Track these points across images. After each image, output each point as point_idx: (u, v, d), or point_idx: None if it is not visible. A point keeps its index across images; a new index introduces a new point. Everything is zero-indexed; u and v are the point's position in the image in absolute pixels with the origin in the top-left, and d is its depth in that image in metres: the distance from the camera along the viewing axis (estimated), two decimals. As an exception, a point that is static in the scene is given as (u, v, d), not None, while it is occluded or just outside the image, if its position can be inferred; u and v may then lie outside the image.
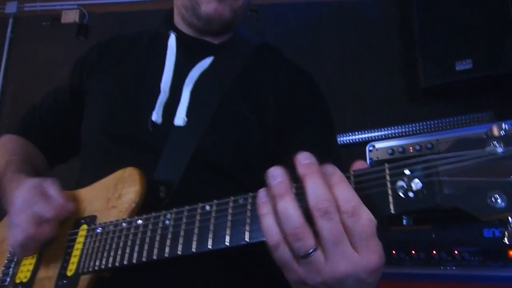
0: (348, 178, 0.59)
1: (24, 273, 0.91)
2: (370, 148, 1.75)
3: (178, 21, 1.14)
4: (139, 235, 0.77)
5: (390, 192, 0.57)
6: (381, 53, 2.46)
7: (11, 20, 3.12)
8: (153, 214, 0.78)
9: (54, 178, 0.93)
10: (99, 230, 0.84)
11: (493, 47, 2.02)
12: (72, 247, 0.87)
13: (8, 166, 1.04)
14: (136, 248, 0.77)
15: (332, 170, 0.58)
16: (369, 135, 2.01)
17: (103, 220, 0.86)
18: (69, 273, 0.84)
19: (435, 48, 2.19)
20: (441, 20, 2.20)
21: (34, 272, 0.90)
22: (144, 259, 0.75)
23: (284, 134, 0.99)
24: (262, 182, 0.66)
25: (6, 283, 0.94)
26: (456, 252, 1.59)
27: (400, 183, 0.57)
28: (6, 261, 0.98)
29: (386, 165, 0.59)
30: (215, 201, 0.70)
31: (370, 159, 1.74)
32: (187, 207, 0.73)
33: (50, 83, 2.88)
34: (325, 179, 0.56)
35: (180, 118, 0.96)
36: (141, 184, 0.85)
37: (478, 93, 2.15)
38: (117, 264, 0.78)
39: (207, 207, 0.71)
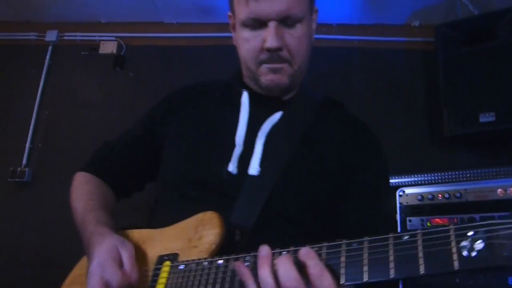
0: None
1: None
2: (400, 193, 1.88)
3: (247, 81, 1.27)
4: (220, 275, 0.89)
5: (454, 250, 0.67)
6: (407, 101, 2.61)
7: (50, 48, 3.29)
8: (233, 256, 0.90)
9: (130, 244, 1.04)
10: (181, 267, 0.97)
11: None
12: (156, 281, 0.99)
13: (87, 213, 1.16)
14: (217, 287, 0.89)
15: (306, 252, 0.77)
16: (395, 180, 2.13)
17: (184, 258, 0.99)
18: (156, 305, 0.96)
19: (460, 99, 2.33)
20: (466, 72, 2.34)
21: None
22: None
23: (345, 191, 1.12)
24: (323, 230, 0.81)
25: None
26: (481, 300, 1.69)
27: (464, 243, 0.68)
28: None
29: (452, 226, 0.71)
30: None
31: (400, 203, 1.86)
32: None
33: (85, 110, 3.07)
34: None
35: (254, 168, 1.09)
36: (221, 227, 0.98)
37: (500, 145, 2.28)
38: None
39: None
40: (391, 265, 0.72)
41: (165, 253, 1.03)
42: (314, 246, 0.80)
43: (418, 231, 0.72)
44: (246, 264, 0.86)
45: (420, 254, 0.70)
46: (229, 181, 1.09)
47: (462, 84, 2.33)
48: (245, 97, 1.21)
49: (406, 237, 0.72)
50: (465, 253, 0.68)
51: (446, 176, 2.01)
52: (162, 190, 1.22)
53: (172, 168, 1.19)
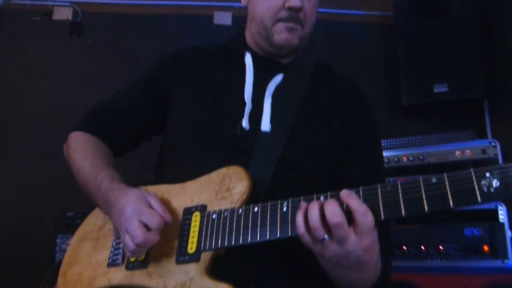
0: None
1: (137, 253, 1.08)
2: (370, 157, 2.03)
3: (250, 42, 1.33)
4: (260, 220, 0.97)
5: (476, 188, 0.82)
6: (367, 72, 2.78)
7: (-4, 12, 3.11)
8: (270, 202, 0.99)
9: (153, 192, 1.10)
10: (214, 216, 1.04)
11: (466, 74, 2.38)
12: (187, 230, 1.06)
13: (97, 171, 1.18)
14: (255, 230, 0.97)
15: (348, 193, 0.88)
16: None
17: (213, 208, 1.06)
18: (190, 251, 1.02)
19: (416, 71, 2.52)
20: (422, 45, 2.53)
21: (148, 251, 1.08)
22: (259, 239, 0.96)
23: (346, 145, 1.23)
24: (334, 183, 0.93)
25: (118, 262, 1.11)
26: (441, 247, 1.90)
27: (483, 182, 0.82)
28: (114, 244, 1.15)
29: (472, 169, 0.85)
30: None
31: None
32: (303, 197, 0.95)
33: (41, 80, 2.94)
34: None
35: (266, 125, 1.17)
36: (249, 179, 1.05)
37: (452, 113, 2.51)
38: (235, 243, 0.98)
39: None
40: (425, 202, 0.84)
41: (191, 205, 1.09)
42: (352, 189, 0.91)
43: (444, 175, 0.85)
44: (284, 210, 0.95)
45: (448, 192, 0.83)
46: (243, 137, 1.16)
47: (418, 57, 2.52)
48: (248, 58, 1.28)
49: (434, 180, 0.85)
50: (485, 189, 0.82)
51: (409, 141, 2.20)
52: (173, 149, 1.26)
53: (185, 127, 1.24)
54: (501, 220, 1.84)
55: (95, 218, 1.25)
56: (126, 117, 1.34)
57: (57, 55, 3.03)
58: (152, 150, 1.43)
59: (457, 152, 2.00)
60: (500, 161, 1.94)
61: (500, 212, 1.84)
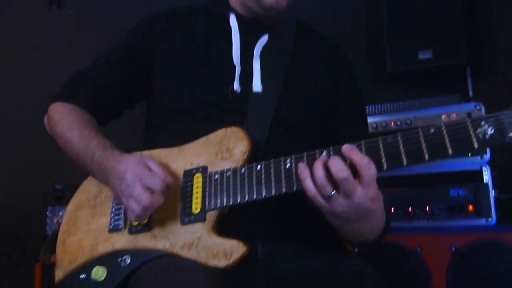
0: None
1: (139, 216, 1.08)
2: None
3: (234, 3, 1.29)
4: (264, 177, 0.99)
5: (473, 136, 0.85)
6: (351, 40, 2.78)
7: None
8: (272, 160, 1.00)
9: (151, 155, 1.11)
10: (217, 177, 1.05)
11: (450, 40, 2.42)
12: (190, 191, 1.07)
13: (88, 140, 1.17)
14: (260, 187, 0.99)
15: (349, 148, 0.91)
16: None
17: (214, 169, 1.07)
18: (195, 211, 1.04)
19: (401, 38, 2.54)
20: (407, 12, 2.54)
21: (151, 215, 1.08)
22: (264, 195, 0.98)
23: (333, 102, 1.26)
24: (327, 141, 1.00)
25: (120, 227, 1.12)
26: (427, 208, 1.97)
27: (479, 130, 0.85)
28: (114, 209, 1.15)
29: (467, 119, 0.87)
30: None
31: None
32: (306, 153, 0.97)
33: (20, 54, 2.87)
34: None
35: (257, 86, 1.19)
36: (248, 139, 1.07)
37: (436, 80, 2.55)
38: (241, 200, 1.00)
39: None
40: (425, 151, 0.87)
41: (191, 168, 1.10)
42: (354, 143, 0.93)
43: (441, 124, 0.88)
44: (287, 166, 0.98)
45: (447, 141, 0.86)
46: (235, 100, 1.17)
47: (403, 24, 2.53)
48: (233, 20, 1.27)
49: (432, 130, 0.88)
50: (481, 137, 0.85)
51: (396, 106, 2.23)
52: (163, 115, 1.25)
53: (174, 93, 1.23)
54: (485, 181, 1.90)
55: (89, 186, 1.25)
56: (107, 84, 1.31)
57: (36, 26, 2.95)
58: (132, 118, 1.43)
59: (443, 116, 2.04)
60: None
61: (484, 173, 1.90)
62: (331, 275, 1.07)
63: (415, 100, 2.22)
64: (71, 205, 1.26)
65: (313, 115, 1.23)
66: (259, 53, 1.23)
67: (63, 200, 2.33)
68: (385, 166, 0.89)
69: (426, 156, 0.87)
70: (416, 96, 2.37)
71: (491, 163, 1.90)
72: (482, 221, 1.87)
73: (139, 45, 1.31)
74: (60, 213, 2.33)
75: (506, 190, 1.96)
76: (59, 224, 1.27)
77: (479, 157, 1.90)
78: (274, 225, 1.12)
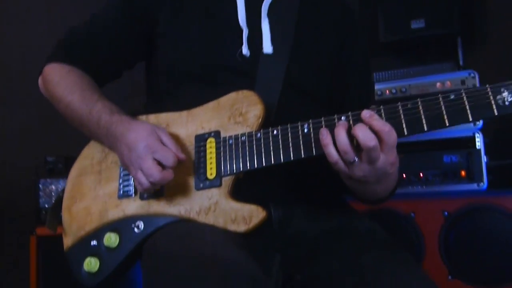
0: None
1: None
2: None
3: None
4: (281, 142, 0.98)
5: (493, 102, 0.85)
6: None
7: None
8: (289, 125, 0.99)
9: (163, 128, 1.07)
10: (231, 141, 1.04)
11: (443, 9, 2.40)
12: (204, 156, 1.05)
13: (91, 104, 1.12)
14: (278, 152, 0.98)
15: (369, 114, 0.89)
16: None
17: (228, 134, 1.05)
18: (210, 177, 1.02)
19: (393, 7, 2.52)
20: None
21: None
22: (283, 160, 0.97)
23: (342, 65, 1.23)
24: (337, 104, 1.01)
25: (131, 193, 1.10)
26: (421, 174, 2.00)
27: (499, 96, 0.86)
28: (122, 175, 1.12)
29: (488, 86, 0.87)
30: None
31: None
32: (323, 118, 0.96)
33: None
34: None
35: (268, 47, 1.14)
36: (262, 102, 1.04)
37: (429, 49, 2.55)
38: (258, 165, 0.99)
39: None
40: (445, 116, 0.87)
41: (202, 132, 1.08)
42: (373, 108, 0.92)
43: (462, 91, 0.88)
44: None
45: (467, 107, 0.86)
46: (244, 63, 1.14)
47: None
48: None
49: (453, 96, 0.88)
50: (500, 103, 0.85)
51: (391, 74, 2.24)
52: (168, 77, 1.20)
53: (180, 55, 1.18)
54: (477, 147, 1.93)
55: (92, 152, 1.20)
56: (106, 41, 1.23)
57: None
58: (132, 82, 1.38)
59: (438, 84, 2.05)
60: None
61: (477, 139, 1.93)
62: (343, 234, 1.08)
63: (409, 68, 2.22)
64: (74, 171, 1.22)
65: (322, 76, 1.21)
66: (266, 11, 1.18)
67: (55, 172, 2.30)
68: (405, 132, 0.89)
69: (447, 122, 0.87)
70: (408, 65, 2.37)
71: (483, 130, 1.93)
72: (474, 186, 1.91)
73: (138, 6, 1.23)
74: (53, 186, 2.29)
75: (496, 157, 2.00)
76: (62, 190, 1.23)
77: (472, 124, 1.91)
78: (286, 189, 1.11)
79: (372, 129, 0.88)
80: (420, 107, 0.89)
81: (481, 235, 1.85)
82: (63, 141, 2.45)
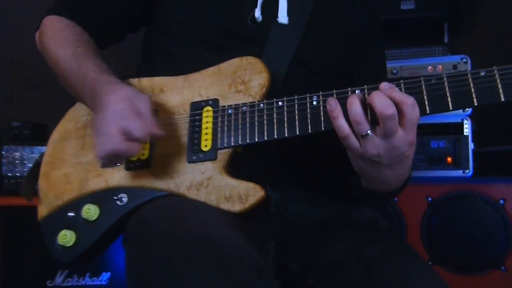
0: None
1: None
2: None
3: None
4: (286, 114, 0.87)
5: (500, 86, 0.77)
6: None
7: None
8: (296, 96, 0.88)
9: (145, 94, 0.92)
10: (230, 111, 0.92)
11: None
12: (199, 126, 0.93)
13: (82, 61, 0.99)
14: (281, 125, 0.87)
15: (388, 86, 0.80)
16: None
17: (227, 103, 0.93)
18: (204, 148, 0.91)
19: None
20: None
21: (151, 149, 0.94)
22: (287, 135, 0.86)
23: (357, 50, 1.12)
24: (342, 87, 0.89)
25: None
26: (407, 159, 1.92)
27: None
28: None
29: (495, 68, 0.78)
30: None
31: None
32: (335, 91, 0.85)
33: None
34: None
35: (283, 17, 1.02)
36: (267, 71, 0.93)
37: (418, 31, 2.47)
38: (259, 139, 0.88)
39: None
40: (474, 95, 0.77)
41: (199, 99, 0.96)
42: (392, 82, 0.82)
43: (494, 68, 0.78)
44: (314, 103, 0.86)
45: (499, 85, 0.77)
46: (255, 28, 1.02)
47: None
48: None
49: (483, 73, 0.78)
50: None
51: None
52: (169, 38, 1.08)
53: (185, 14, 1.06)
54: (465, 133, 1.87)
55: (77, 114, 1.08)
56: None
57: None
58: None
59: (429, 67, 1.98)
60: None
61: (465, 125, 1.87)
62: (345, 222, 0.99)
63: (401, 49, 2.14)
64: (55, 135, 1.09)
65: (335, 59, 1.09)
66: None
67: (20, 138, 2.09)
68: (428, 109, 0.79)
69: (475, 101, 0.77)
70: (397, 47, 2.29)
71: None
72: (459, 173, 1.85)
73: None
74: (17, 153, 2.09)
75: (482, 144, 1.95)
76: (41, 155, 1.08)
77: (461, 110, 1.85)
78: (285, 169, 1.01)
79: (393, 100, 0.77)
80: (446, 83, 0.79)
81: (464, 223, 1.81)
82: (32, 107, 2.25)
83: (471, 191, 1.82)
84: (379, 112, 0.76)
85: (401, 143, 0.79)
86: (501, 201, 1.79)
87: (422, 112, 0.79)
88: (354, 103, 0.78)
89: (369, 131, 0.78)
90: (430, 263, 1.80)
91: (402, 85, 0.81)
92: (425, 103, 0.79)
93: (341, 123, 0.80)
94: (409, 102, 0.76)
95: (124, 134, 0.85)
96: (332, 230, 0.98)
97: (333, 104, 0.80)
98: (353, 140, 0.80)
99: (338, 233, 0.97)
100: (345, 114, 0.80)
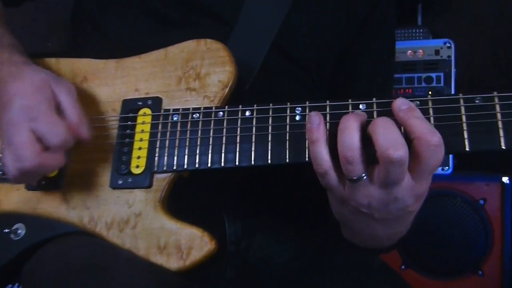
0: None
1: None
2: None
3: None
4: (254, 131, 0.57)
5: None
6: None
7: None
8: (271, 105, 0.58)
9: (67, 81, 0.63)
10: (176, 118, 0.61)
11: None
12: (130, 136, 0.63)
13: None
14: (247, 147, 0.57)
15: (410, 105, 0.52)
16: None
17: (173, 105, 0.63)
18: (135, 170, 0.61)
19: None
20: None
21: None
22: (254, 163, 0.57)
23: (360, 45, 0.80)
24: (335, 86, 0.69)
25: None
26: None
27: None
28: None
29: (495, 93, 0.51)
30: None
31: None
32: (329, 102, 0.56)
33: None
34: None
35: None
36: (232, 62, 0.63)
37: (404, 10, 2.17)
38: (212, 165, 0.59)
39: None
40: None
41: (135, 97, 0.65)
42: (415, 99, 0.53)
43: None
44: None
45: None
46: (224, 2, 0.71)
47: None
48: None
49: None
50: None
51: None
52: (103, 4, 0.75)
53: None
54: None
55: None
56: None
57: None
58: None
59: (409, 52, 1.70)
60: (453, 63, 1.69)
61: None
62: (326, 262, 0.72)
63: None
64: None
65: (329, 48, 0.78)
66: None
67: None
68: (467, 147, 0.51)
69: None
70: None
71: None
72: (438, 170, 1.62)
73: None
74: None
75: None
76: None
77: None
78: (247, 195, 0.72)
79: (408, 131, 0.50)
80: (498, 108, 0.51)
81: (441, 223, 1.61)
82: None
83: (450, 190, 1.61)
84: (381, 151, 0.48)
85: (405, 195, 0.51)
86: (481, 201, 1.58)
87: (456, 150, 0.51)
88: (350, 129, 0.50)
89: (363, 175, 0.51)
90: (403, 267, 1.60)
91: (430, 104, 0.53)
92: (463, 136, 0.51)
93: (320, 153, 0.51)
94: (431, 141, 0.48)
95: (38, 142, 0.57)
96: (310, 273, 0.71)
97: (315, 121, 0.52)
98: (334, 181, 0.53)
99: (319, 278, 0.70)
100: (331, 139, 0.51)
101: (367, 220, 0.56)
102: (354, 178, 0.51)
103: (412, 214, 0.56)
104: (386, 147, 0.48)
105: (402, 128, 0.50)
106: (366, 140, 0.51)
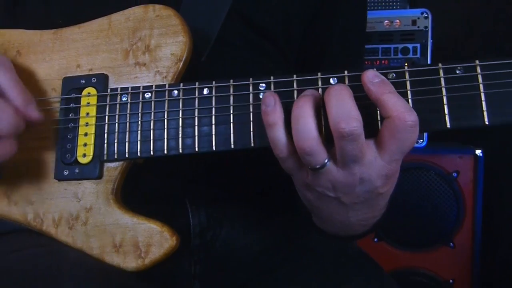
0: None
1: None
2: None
3: None
4: (214, 111, 0.50)
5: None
6: None
7: None
8: (232, 81, 0.50)
9: (4, 57, 0.54)
10: (125, 98, 0.53)
11: None
12: (74, 120, 0.54)
13: None
14: (204, 131, 0.50)
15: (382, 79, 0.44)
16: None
17: (121, 83, 0.54)
18: (82, 160, 0.52)
19: None
20: None
21: None
22: (215, 149, 0.50)
23: (330, 13, 0.71)
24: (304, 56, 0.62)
25: None
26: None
27: None
28: None
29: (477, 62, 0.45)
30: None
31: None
32: (296, 76, 0.48)
33: None
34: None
35: None
36: (187, 32, 0.54)
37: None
38: (169, 152, 0.51)
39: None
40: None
41: (77, 74, 0.56)
42: (389, 70, 0.46)
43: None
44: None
45: None
46: None
47: None
48: None
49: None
50: None
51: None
52: None
53: None
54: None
55: None
56: None
57: None
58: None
59: (386, 22, 1.63)
60: (430, 34, 1.63)
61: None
62: (300, 251, 0.65)
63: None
64: None
65: (295, 17, 0.68)
66: None
67: None
68: (448, 124, 0.44)
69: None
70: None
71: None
72: (413, 142, 1.58)
73: None
74: None
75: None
76: None
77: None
78: (212, 181, 0.65)
79: (380, 109, 0.43)
80: (480, 79, 0.44)
81: (413, 196, 1.57)
82: None
83: (424, 163, 1.57)
84: (332, 125, 0.42)
85: (372, 176, 0.45)
86: (454, 174, 1.55)
87: (439, 127, 0.45)
88: (304, 117, 0.43)
89: (326, 161, 0.44)
90: (375, 239, 1.57)
91: (407, 74, 0.46)
92: (444, 111, 0.45)
93: (278, 137, 0.45)
94: (407, 122, 0.42)
95: None
96: (281, 265, 0.64)
97: (270, 102, 0.45)
98: (296, 166, 0.46)
99: (289, 269, 0.64)
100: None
101: (337, 206, 0.49)
102: (317, 167, 0.44)
103: (384, 196, 0.50)
104: (337, 120, 0.42)
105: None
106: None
